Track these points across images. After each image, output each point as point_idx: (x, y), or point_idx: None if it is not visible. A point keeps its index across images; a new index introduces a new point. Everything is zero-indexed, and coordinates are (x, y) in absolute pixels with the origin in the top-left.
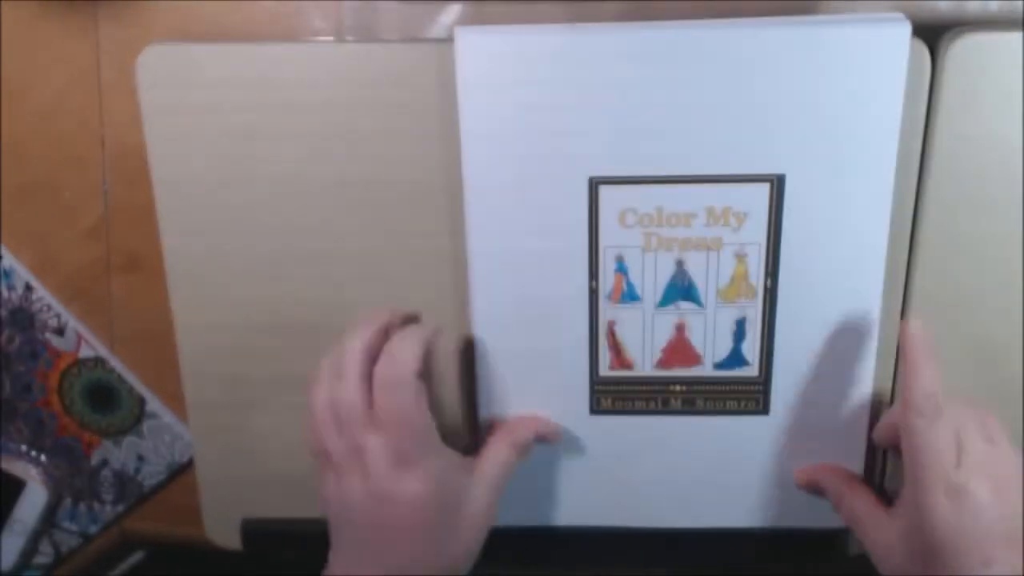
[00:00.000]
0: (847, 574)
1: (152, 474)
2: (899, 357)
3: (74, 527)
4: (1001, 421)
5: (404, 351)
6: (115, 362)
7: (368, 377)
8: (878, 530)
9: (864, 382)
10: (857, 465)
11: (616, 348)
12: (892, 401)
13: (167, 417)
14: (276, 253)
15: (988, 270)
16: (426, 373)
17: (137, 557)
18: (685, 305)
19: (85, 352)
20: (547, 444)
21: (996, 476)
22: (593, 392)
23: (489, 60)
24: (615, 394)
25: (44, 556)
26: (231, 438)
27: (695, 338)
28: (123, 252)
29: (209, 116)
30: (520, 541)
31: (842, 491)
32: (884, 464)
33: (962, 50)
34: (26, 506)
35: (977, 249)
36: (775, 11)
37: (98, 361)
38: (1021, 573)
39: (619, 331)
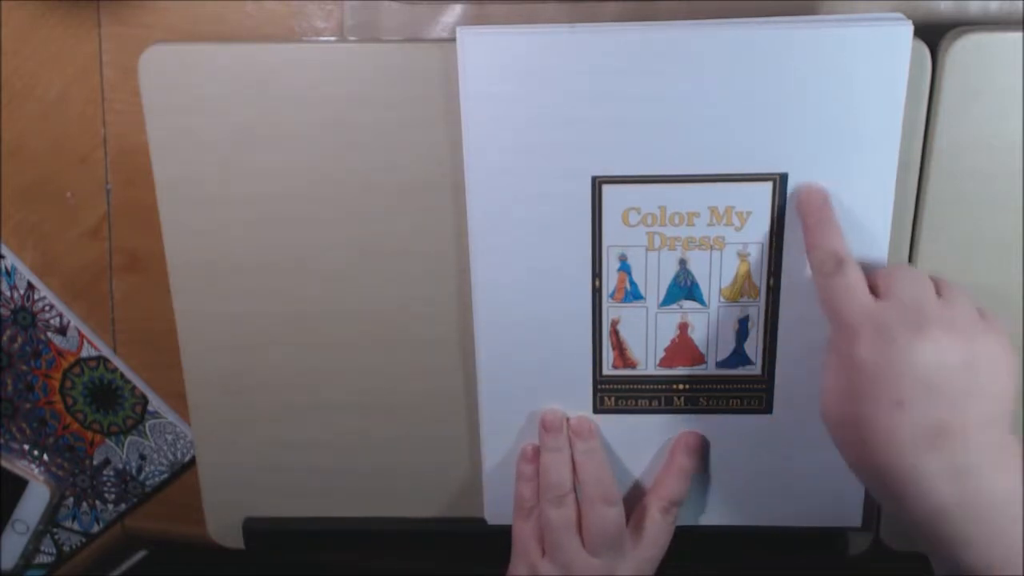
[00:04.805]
0: (847, 574)
1: (154, 473)
2: None
3: (76, 526)
4: None
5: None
6: (117, 361)
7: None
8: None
9: None
10: None
11: (619, 347)
12: None
13: (169, 416)
14: (278, 252)
15: (988, 270)
16: None
17: (139, 556)
18: (688, 304)
19: (87, 351)
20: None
21: (920, 322)
22: (596, 391)
23: (491, 60)
24: (618, 393)
25: (46, 555)
26: (233, 437)
27: (698, 337)
28: (125, 251)
29: (211, 116)
30: None
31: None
32: None
33: (962, 50)
34: (28, 505)
35: (977, 249)
36: (775, 11)
37: (100, 360)
38: (932, 419)
39: (622, 330)
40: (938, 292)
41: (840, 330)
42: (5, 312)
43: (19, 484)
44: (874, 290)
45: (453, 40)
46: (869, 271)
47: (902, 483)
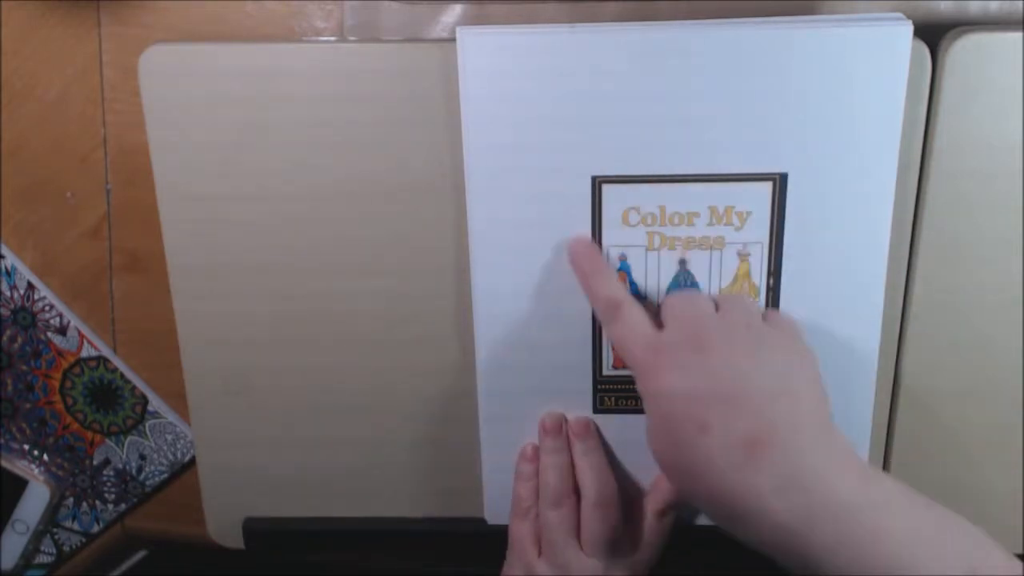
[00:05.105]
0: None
1: (154, 473)
2: (899, 357)
3: (76, 526)
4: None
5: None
6: (117, 361)
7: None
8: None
9: (867, 380)
10: None
11: None
12: (893, 399)
13: (169, 416)
14: (278, 253)
15: (988, 270)
16: None
17: (139, 556)
18: None
19: (87, 351)
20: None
21: (700, 340)
22: (596, 391)
23: (491, 60)
24: (618, 393)
25: (46, 555)
26: (233, 437)
27: None
28: (125, 251)
29: (211, 116)
30: None
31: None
32: (886, 466)
33: (962, 50)
34: (28, 505)
35: (977, 249)
36: (775, 11)
37: (100, 360)
38: (739, 434)
39: None
40: (716, 308)
41: (635, 370)
42: (5, 312)
43: (19, 484)
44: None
45: (453, 40)
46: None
47: (736, 506)
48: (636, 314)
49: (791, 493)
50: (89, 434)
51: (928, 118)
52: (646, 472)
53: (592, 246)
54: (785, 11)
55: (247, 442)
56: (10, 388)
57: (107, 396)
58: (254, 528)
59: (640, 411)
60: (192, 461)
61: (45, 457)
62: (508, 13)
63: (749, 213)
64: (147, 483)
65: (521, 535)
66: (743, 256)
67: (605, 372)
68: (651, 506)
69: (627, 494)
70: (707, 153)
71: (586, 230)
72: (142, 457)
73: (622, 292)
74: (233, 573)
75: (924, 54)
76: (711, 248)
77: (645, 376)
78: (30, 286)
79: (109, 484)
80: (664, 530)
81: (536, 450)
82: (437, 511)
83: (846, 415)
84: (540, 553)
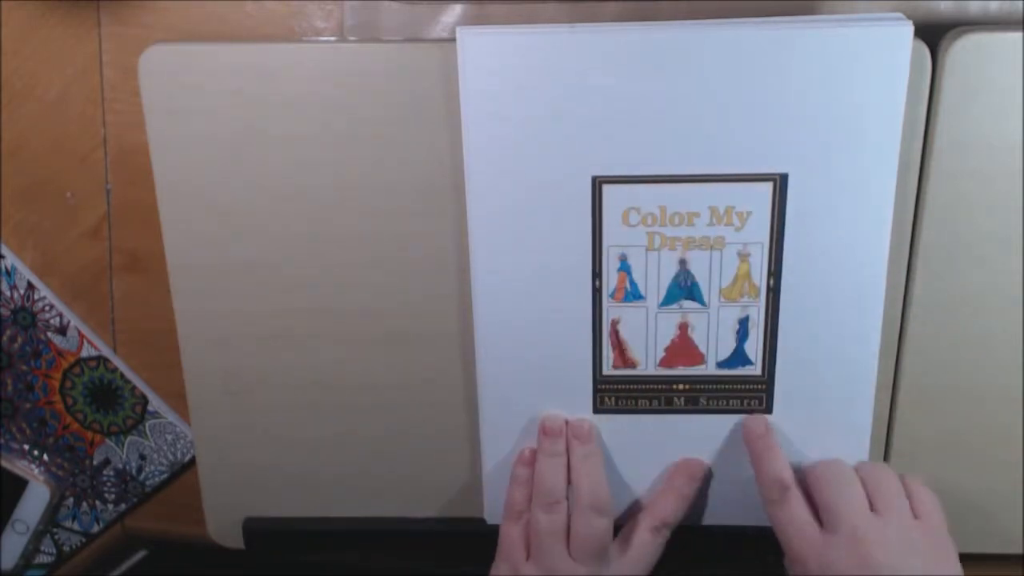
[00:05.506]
0: None
1: (154, 473)
2: (899, 357)
3: (76, 526)
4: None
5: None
6: (117, 361)
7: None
8: None
9: (867, 380)
10: None
11: (619, 347)
12: (893, 399)
13: (169, 416)
14: (278, 253)
15: (988, 270)
16: None
17: (139, 556)
18: (688, 304)
19: (87, 351)
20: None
21: (861, 546)
22: (596, 391)
23: (491, 60)
24: (618, 393)
25: (46, 555)
26: (233, 437)
27: (698, 337)
28: (125, 251)
29: (211, 116)
30: None
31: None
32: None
33: (962, 50)
34: (28, 505)
35: (977, 249)
36: (775, 11)
37: (100, 360)
38: None
39: (622, 330)
40: (872, 504)
41: (792, 560)
42: (5, 312)
43: (19, 484)
44: (817, 513)
45: (453, 40)
46: (812, 489)
47: None
48: (800, 505)
49: None
50: (89, 434)
51: (928, 118)
52: (642, 475)
53: (768, 426)
54: (785, 11)
55: (247, 442)
56: (10, 388)
57: (107, 396)
58: (254, 528)
59: (639, 411)
60: (192, 461)
61: (45, 457)
62: (508, 13)
63: (749, 213)
64: (147, 483)
65: (511, 537)
66: (743, 256)
67: (605, 372)
68: (646, 521)
69: (625, 495)
70: (707, 153)
71: (586, 230)
72: (142, 457)
73: (790, 476)
74: (233, 573)
75: (924, 54)
76: (711, 248)
77: (802, 569)
78: (30, 286)
79: (109, 484)
80: (656, 547)
81: (534, 454)
82: (437, 511)
83: (846, 415)
84: (528, 556)
